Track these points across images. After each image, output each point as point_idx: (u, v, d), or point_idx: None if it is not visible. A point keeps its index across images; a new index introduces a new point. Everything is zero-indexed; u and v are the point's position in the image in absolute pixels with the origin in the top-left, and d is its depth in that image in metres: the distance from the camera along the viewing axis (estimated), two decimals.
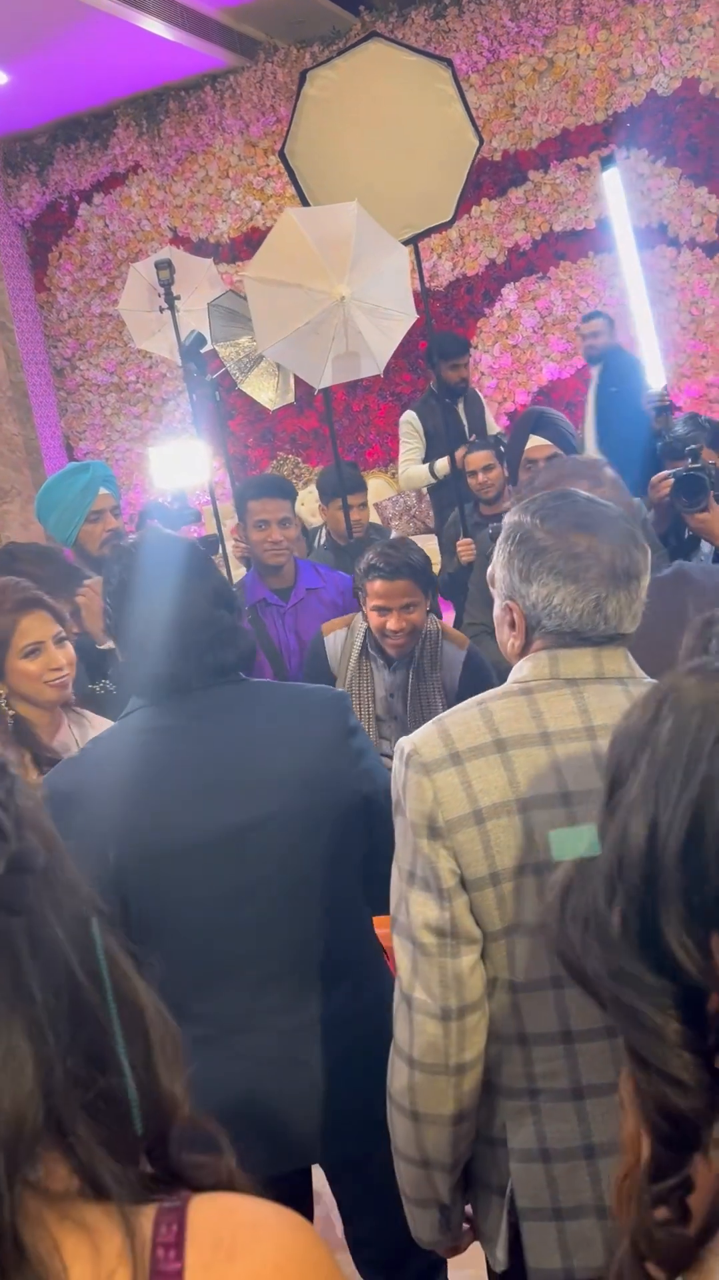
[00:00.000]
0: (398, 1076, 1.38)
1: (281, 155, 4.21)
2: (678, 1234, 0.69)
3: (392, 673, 2.89)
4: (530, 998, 1.34)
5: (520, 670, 1.42)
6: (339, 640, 3.00)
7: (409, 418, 5.55)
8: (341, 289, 3.60)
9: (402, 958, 1.37)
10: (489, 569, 1.51)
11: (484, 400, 5.79)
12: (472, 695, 2.88)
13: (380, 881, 1.54)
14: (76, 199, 7.82)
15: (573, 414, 6.51)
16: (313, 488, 6.08)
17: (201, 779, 1.60)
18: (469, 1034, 1.34)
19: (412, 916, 1.34)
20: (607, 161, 4.08)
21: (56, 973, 0.62)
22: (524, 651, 1.44)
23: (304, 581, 3.56)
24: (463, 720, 1.39)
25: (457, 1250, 1.52)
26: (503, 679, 2.94)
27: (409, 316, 3.92)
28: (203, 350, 4.62)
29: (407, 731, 2.87)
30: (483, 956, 1.35)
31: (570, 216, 6.73)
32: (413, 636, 2.82)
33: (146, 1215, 0.63)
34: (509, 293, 6.93)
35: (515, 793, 1.31)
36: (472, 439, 4.87)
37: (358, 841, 1.69)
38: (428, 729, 1.40)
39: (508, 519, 1.47)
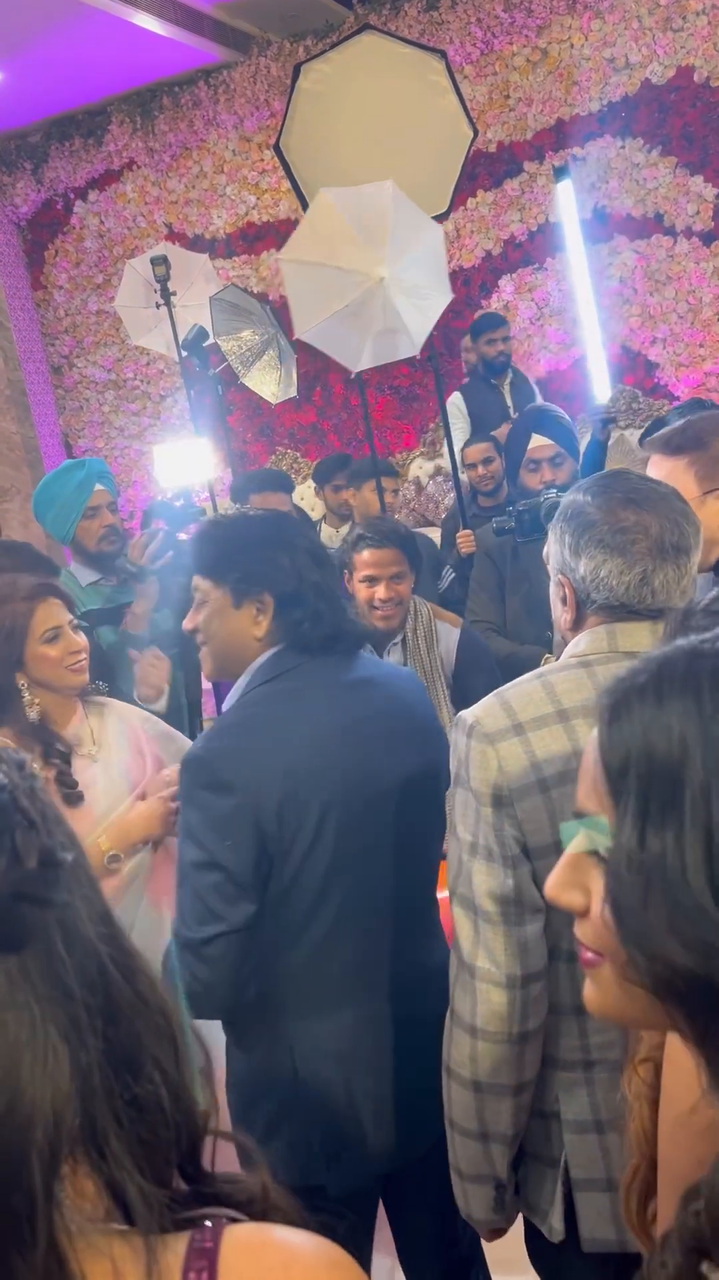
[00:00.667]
0: (459, 1046, 1.38)
1: (276, 149, 4.22)
2: None
3: (386, 654, 2.86)
4: None
5: (578, 645, 1.42)
6: None
7: (455, 400, 5.55)
8: (381, 270, 3.61)
9: (463, 927, 1.37)
10: (544, 549, 1.53)
11: (532, 382, 5.72)
12: (471, 674, 2.91)
13: None
14: (72, 196, 7.81)
15: (571, 405, 6.51)
16: (310, 481, 6.09)
17: (388, 726, 1.73)
18: (533, 1003, 1.35)
19: (474, 886, 1.35)
20: (560, 172, 4.07)
21: (90, 969, 0.61)
22: (577, 626, 1.44)
23: None
24: (524, 692, 1.39)
25: (502, 1232, 1.53)
26: (501, 666, 2.95)
27: (445, 295, 3.92)
28: (205, 344, 4.62)
29: None
30: (544, 927, 1.36)
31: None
32: (400, 608, 2.79)
33: (175, 1252, 0.61)
34: (506, 284, 6.92)
35: (579, 761, 1.30)
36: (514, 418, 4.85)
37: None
38: (488, 701, 1.41)
39: (566, 498, 1.49)
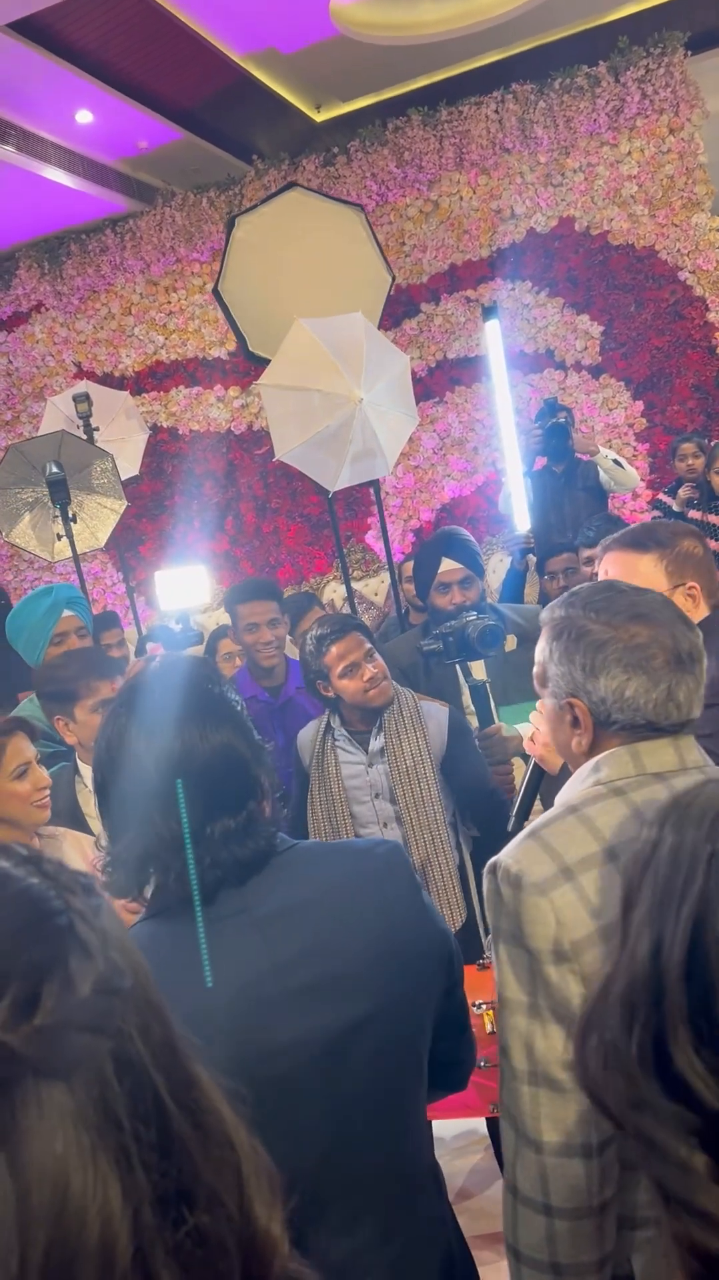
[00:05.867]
0: (531, 1229, 1.25)
1: (215, 293, 4.45)
2: None
3: (372, 740, 2.83)
4: None
5: (599, 771, 1.32)
6: (309, 732, 2.95)
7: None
8: (359, 392, 3.77)
9: (521, 1100, 1.25)
10: (536, 669, 1.44)
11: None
12: (461, 756, 2.83)
13: (445, 1067, 1.36)
14: None
15: (476, 529, 6.73)
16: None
17: (295, 978, 1.25)
18: (610, 1167, 1.24)
19: (538, 1054, 1.22)
20: (488, 312, 4.36)
21: (145, 1099, 0.59)
22: (593, 749, 1.36)
23: (294, 681, 3.59)
24: (563, 830, 1.27)
25: None
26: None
27: (413, 419, 4.10)
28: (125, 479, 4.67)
29: (393, 801, 2.77)
30: None
31: (462, 345, 7.06)
32: (388, 681, 2.80)
33: None
34: None
35: None
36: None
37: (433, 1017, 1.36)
38: (525, 845, 1.27)
39: (547, 614, 1.42)
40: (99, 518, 4.60)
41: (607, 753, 1.33)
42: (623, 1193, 1.26)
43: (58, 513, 4.24)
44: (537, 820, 1.32)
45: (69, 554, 4.31)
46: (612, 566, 2.14)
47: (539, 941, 1.22)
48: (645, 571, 2.08)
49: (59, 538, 4.36)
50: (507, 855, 1.27)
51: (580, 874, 1.23)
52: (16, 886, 0.61)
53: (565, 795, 1.36)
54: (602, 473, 5.26)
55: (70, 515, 4.20)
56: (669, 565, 2.09)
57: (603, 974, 1.15)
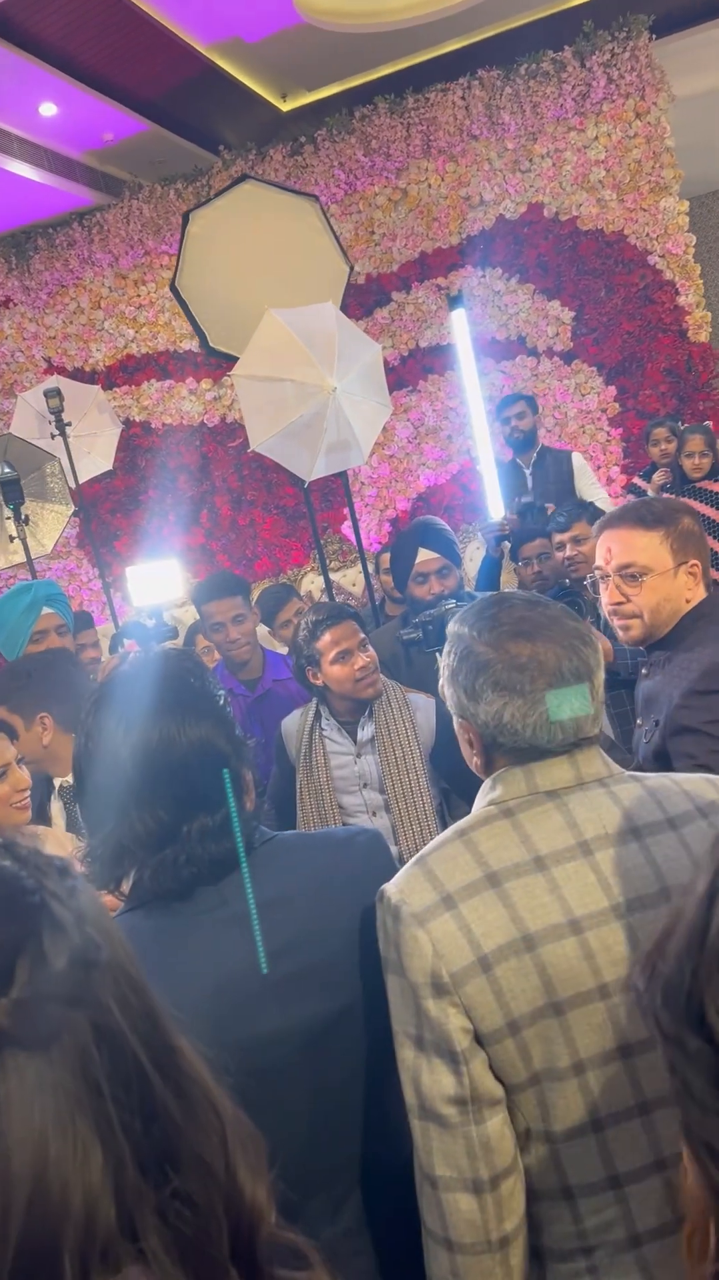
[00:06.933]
0: (437, 1263, 1.22)
1: (173, 288, 4.42)
2: None
3: (360, 730, 2.83)
4: (571, 1145, 1.19)
5: (494, 790, 1.29)
6: (294, 721, 2.94)
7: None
8: (332, 381, 3.77)
9: (415, 1135, 1.21)
10: (439, 684, 1.39)
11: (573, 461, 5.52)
12: (452, 746, 2.84)
13: None
14: None
15: (452, 517, 6.75)
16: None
17: (277, 970, 1.26)
18: (506, 1201, 1.19)
19: (425, 1089, 1.18)
20: (454, 301, 4.36)
21: (125, 1066, 0.61)
22: (488, 768, 1.31)
23: (271, 673, 3.61)
24: (447, 856, 1.23)
25: None
26: None
27: (387, 407, 4.10)
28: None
29: (381, 791, 2.77)
30: (510, 1110, 1.19)
31: (434, 333, 7.06)
32: (378, 673, 2.81)
33: None
34: None
35: (520, 929, 1.18)
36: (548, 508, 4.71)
37: None
38: (410, 871, 1.24)
39: (452, 628, 1.36)
40: (46, 522, 4.57)
41: (501, 770, 1.29)
42: (543, 1225, 1.23)
43: (10, 513, 4.17)
44: (426, 845, 1.29)
45: (22, 558, 4.27)
46: (614, 544, 2.10)
47: (417, 974, 1.18)
48: (650, 549, 2.05)
49: (11, 539, 4.32)
50: (392, 884, 1.24)
51: (461, 902, 1.19)
52: None
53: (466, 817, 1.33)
54: (577, 478, 5.28)
55: (24, 518, 4.16)
56: (674, 543, 2.06)
57: (486, 1004, 1.14)
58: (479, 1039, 1.17)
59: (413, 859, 1.27)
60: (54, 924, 0.61)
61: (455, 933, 1.18)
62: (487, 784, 1.31)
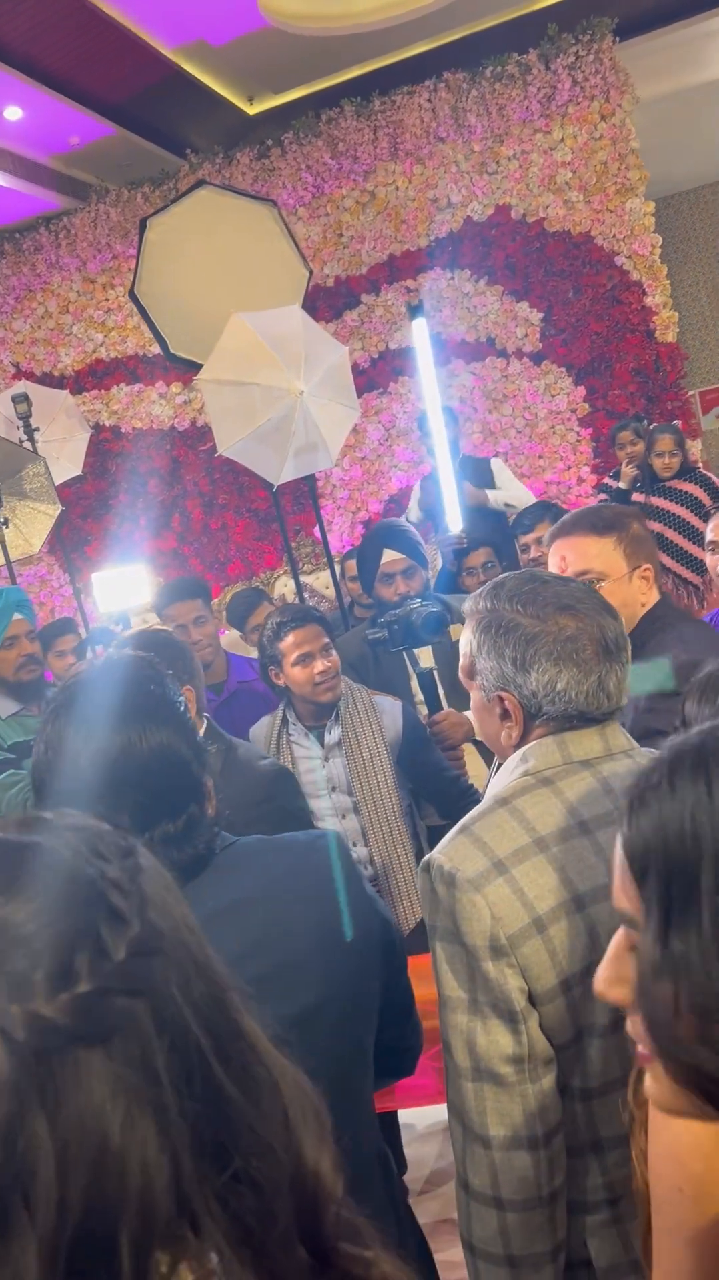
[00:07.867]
0: (484, 1223, 1.25)
1: (132, 295, 4.43)
2: None
3: (327, 733, 2.83)
4: (605, 1100, 1.25)
5: (527, 761, 1.34)
6: (264, 727, 2.94)
7: (415, 490, 5.68)
8: (299, 384, 3.77)
9: (466, 1096, 1.24)
10: (463, 662, 1.43)
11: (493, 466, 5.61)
12: (421, 747, 2.84)
13: (392, 1053, 1.38)
14: None
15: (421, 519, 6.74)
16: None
17: (242, 973, 1.28)
18: (558, 1156, 1.24)
19: (481, 1050, 1.22)
20: (415, 310, 4.37)
21: (186, 1054, 0.60)
22: (523, 741, 1.37)
23: (236, 674, 3.60)
24: (493, 824, 1.28)
25: None
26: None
27: (354, 410, 4.10)
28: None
29: (350, 793, 2.78)
30: None
31: (403, 335, 7.06)
32: (339, 679, 2.81)
33: None
34: None
35: (570, 891, 1.24)
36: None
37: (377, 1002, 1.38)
38: (457, 840, 1.28)
39: (470, 606, 1.41)
40: (33, 523, 4.54)
41: (534, 743, 1.34)
42: (574, 1178, 1.27)
43: None
44: (467, 815, 1.33)
45: (1, 560, 4.26)
46: (568, 552, 2.10)
47: (475, 938, 1.22)
48: (604, 555, 2.07)
49: None
50: (439, 852, 1.28)
51: (513, 867, 1.24)
52: (45, 860, 0.62)
53: (495, 788, 1.37)
54: (494, 501, 5.31)
55: (2, 520, 4.15)
56: (627, 548, 2.09)
57: (542, 964, 1.18)
58: (532, 999, 1.23)
59: (455, 828, 1.30)
60: (113, 914, 0.60)
61: (510, 896, 1.23)
62: (515, 758, 1.36)
